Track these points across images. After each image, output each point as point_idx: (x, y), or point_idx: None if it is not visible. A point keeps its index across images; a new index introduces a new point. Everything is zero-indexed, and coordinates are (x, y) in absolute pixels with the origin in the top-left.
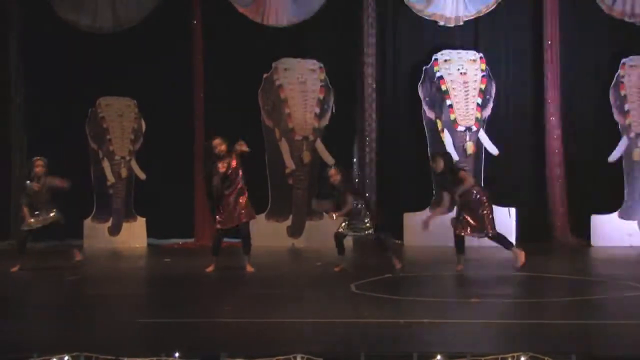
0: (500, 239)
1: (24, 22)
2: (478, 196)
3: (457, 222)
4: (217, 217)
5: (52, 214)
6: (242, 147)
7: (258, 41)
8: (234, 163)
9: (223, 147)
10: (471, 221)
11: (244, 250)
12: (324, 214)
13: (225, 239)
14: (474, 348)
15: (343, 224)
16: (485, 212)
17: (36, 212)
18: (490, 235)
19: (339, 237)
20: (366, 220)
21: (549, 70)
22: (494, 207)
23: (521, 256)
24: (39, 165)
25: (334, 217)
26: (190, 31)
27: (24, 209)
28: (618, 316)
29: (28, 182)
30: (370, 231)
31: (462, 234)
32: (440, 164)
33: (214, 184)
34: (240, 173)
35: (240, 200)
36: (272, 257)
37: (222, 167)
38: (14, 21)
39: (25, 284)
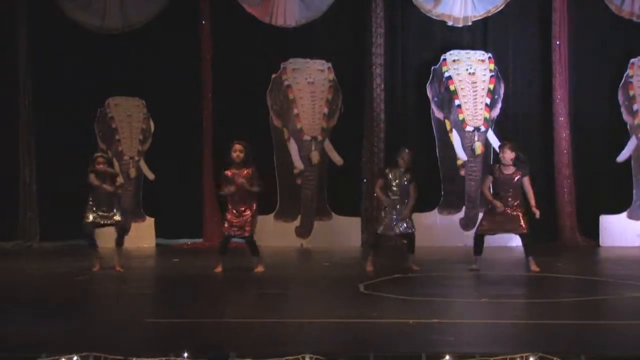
0: (529, 243)
1: (32, 22)
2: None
3: (486, 221)
4: (225, 220)
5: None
6: (259, 186)
7: (266, 41)
8: (245, 172)
9: (241, 155)
10: (501, 220)
11: (251, 252)
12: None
13: (234, 239)
14: (483, 348)
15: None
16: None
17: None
18: (525, 234)
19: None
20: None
21: (557, 70)
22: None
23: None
24: (100, 162)
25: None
26: (198, 31)
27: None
28: (627, 316)
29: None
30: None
31: (485, 233)
32: (509, 155)
33: (222, 191)
34: (252, 185)
35: (247, 213)
36: (280, 257)
37: (231, 174)
38: (22, 21)
39: (33, 284)
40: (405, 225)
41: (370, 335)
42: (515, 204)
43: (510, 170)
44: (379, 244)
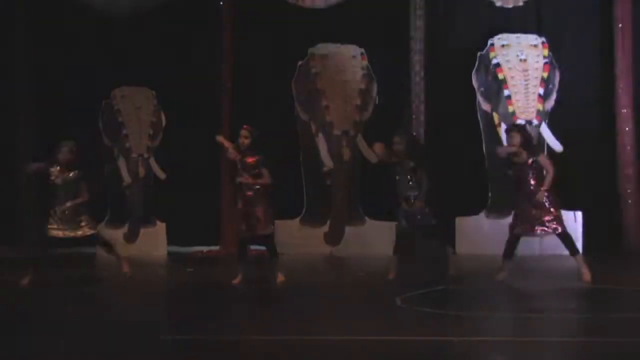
0: (569, 240)
1: (30, 4)
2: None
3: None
4: (238, 217)
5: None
6: (265, 180)
7: (292, 25)
8: (250, 160)
9: (245, 142)
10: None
11: (270, 259)
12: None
13: (254, 247)
14: None
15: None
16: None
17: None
18: (560, 232)
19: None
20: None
21: (620, 56)
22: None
23: (586, 273)
24: (64, 151)
25: None
26: (216, 13)
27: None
28: None
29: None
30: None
31: (520, 233)
32: (517, 139)
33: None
34: (262, 174)
35: (256, 209)
36: (307, 266)
37: (239, 161)
38: (20, 3)
39: (38, 296)
40: (419, 216)
41: (408, 355)
42: (545, 192)
43: (522, 157)
44: (402, 245)
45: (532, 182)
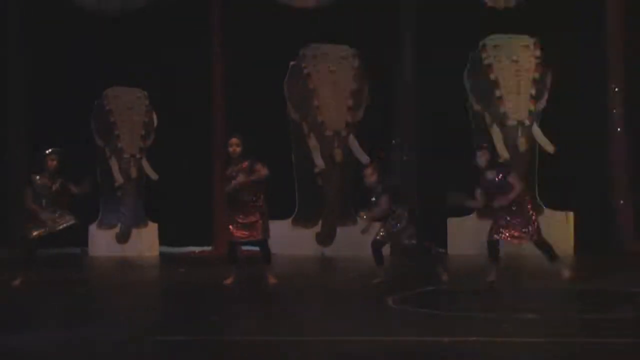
0: (546, 248)
1: (22, 4)
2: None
3: (496, 226)
4: (232, 224)
5: (64, 219)
6: (261, 171)
7: (284, 24)
8: (244, 166)
9: (237, 150)
10: (513, 224)
11: (263, 260)
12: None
13: (245, 247)
14: None
15: (381, 230)
16: (531, 214)
17: (47, 215)
18: (535, 240)
19: (376, 245)
20: (407, 226)
21: (612, 57)
22: (551, 211)
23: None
24: (52, 159)
25: (363, 217)
26: (208, 12)
27: (32, 207)
28: None
29: (37, 176)
30: (412, 239)
31: (499, 238)
32: (485, 157)
33: (225, 190)
34: (258, 169)
35: (255, 213)
36: (299, 267)
37: (231, 171)
38: (13, 4)
39: (29, 297)
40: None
41: (400, 355)
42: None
43: (491, 174)
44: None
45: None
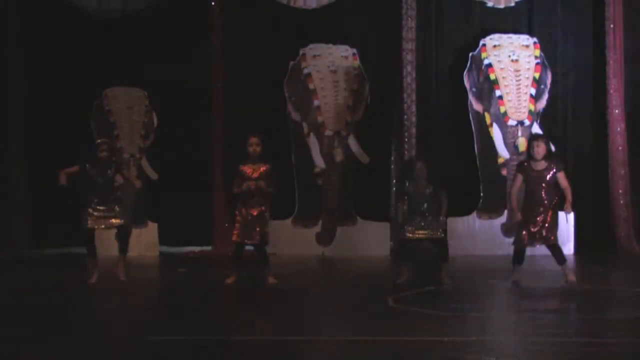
0: (558, 250)
1: (21, 4)
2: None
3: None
4: (235, 225)
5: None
6: (267, 187)
7: (284, 24)
8: (262, 169)
9: (257, 149)
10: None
11: (260, 263)
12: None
13: (248, 247)
14: None
15: (410, 227)
16: (556, 217)
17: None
18: (552, 244)
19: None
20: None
21: (611, 57)
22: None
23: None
24: (103, 149)
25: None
26: (208, 13)
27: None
28: None
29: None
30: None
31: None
32: (543, 149)
33: (234, 189)
34: (273, 183)
35: (258, 216)
36: (299, 267)
37: (249, 170)
38: (11, 3)
39: (25, 297)
40: (432, 228)
41: (400, 355)
42: (553, 203)
43: (542, 166)
44: (408, 253)
45: (545, 197)
